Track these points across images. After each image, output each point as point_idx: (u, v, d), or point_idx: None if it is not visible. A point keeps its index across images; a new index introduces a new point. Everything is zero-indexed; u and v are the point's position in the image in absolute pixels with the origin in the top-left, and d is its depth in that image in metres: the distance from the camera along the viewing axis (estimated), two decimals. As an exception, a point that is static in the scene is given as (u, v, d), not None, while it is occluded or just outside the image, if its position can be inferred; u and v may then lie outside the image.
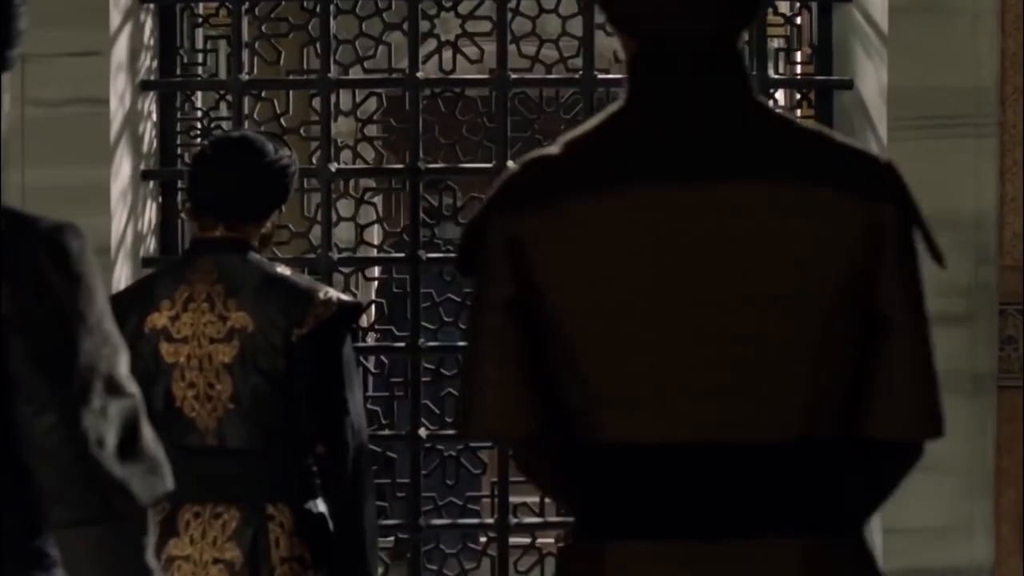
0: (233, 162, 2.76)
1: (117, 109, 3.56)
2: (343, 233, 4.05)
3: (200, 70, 3.96)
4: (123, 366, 1.44)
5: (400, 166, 3.83)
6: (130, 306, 2.76)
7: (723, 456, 1.57)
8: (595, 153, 1.63)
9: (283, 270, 2.81)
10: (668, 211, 1.58)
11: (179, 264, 2.86)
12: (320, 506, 2.76)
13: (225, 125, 3.86)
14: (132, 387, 1.44)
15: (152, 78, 3.79)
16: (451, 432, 3.84)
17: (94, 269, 1.43)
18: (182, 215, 3.87)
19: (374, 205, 3.95)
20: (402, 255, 3.81)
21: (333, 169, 3.70)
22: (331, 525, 2.76)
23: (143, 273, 3.73)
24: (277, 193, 2.81)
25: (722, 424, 1.56)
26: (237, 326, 2.68)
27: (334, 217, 3.71)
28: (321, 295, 2.73)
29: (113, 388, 1.41)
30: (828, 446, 1.59)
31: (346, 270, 3.82)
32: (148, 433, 1.44)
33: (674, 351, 1.56)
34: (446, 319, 3.91)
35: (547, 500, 3.94)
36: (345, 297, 2.86)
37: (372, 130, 3.97)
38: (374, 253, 3.91)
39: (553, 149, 1.66)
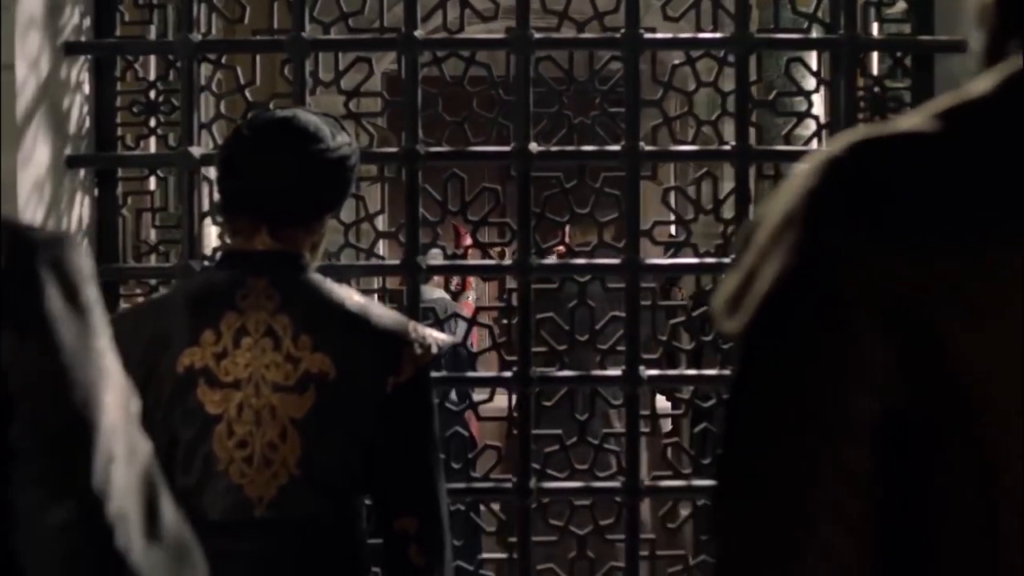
0: (280, 149, 2.17)
1: (28, 77, 2.79)
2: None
3: (152, 31, 3.19)
4: (136, 412, 1.17)
5: (394, 150, 3.06)
6: (147, 336, 2.19)
7: None
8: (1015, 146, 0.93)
9: (356, 296, 2.24)
10: None
11: (214, 283, 2.23)
12: None
13: (176, 100, 3.10)
14: (145, 441, 1.16)
15: (83, 39, 3.02)
16: (459, 485, 3.08)
17: (97, 290, 1.13)
18: (123, 211, 3.12)
19: (363, 200, 3.16)
20: (396, 262, 3.05)
21: (309, 154, 2.90)
22: None
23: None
24: (334, 191, 2.24)
25: None
26: (314, 371, 2.14)
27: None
28: (413, 333, 2.21)
29: (131, 451, 1.12)
30: None
31: (328, 280, 3.09)
32: (168, 503, 1.17)
33: None
34: (452, 340, 3.15)
35: (577, 564, 3.19)
36: (441, 336, 2.27)
37: (359, 105, 3.17)
38: (364, 259, 3.13)
39: (917, 125, 0.97)
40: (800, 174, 0.97)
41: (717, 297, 1.01)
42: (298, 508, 2.15)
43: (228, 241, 2.28)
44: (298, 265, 2.20)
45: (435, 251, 3.25)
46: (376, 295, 3.14)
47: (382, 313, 2.24)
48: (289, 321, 2.15)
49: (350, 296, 2.22)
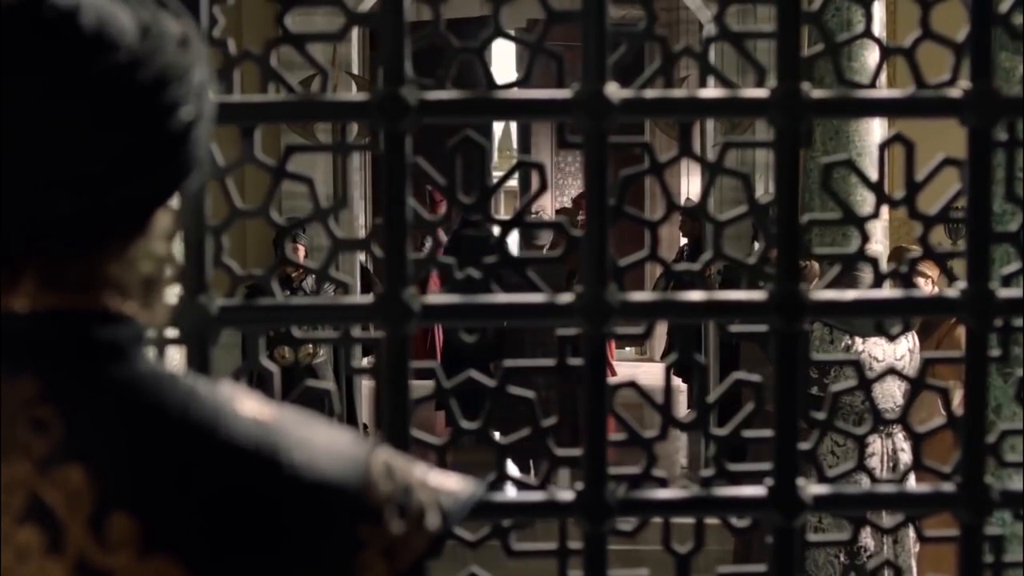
0: (18, 84, 0.98)
1: None
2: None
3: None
4: None
5: (364, 98, 1.74)
6: None
7: None
8: None
9: (249, 408, 1.04)
10: None
11: None
12: None
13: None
14: None
15: None
16: None
17: None
18: None
19: (310, 182, 1.83)
20: (366, 301, 1.73)
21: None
22: None
23: None
24: (157, 156, 1.03)
25: None
26: None
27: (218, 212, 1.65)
28: (384, 483, 1.05)
29: None
30: None
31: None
32: None
33: None
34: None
35: None
36: (452, 487, 1.11)
37: (303, 22, 1.84)
38: (304, 294, 1.82)
39: None
40: None
41: None
42: None
43: None
44: (109, 345, 1.02)
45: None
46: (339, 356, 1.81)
47: (309, 442, 1.03)
48: (85, 482, 0.99)
49: (234, 410, 1.02)
